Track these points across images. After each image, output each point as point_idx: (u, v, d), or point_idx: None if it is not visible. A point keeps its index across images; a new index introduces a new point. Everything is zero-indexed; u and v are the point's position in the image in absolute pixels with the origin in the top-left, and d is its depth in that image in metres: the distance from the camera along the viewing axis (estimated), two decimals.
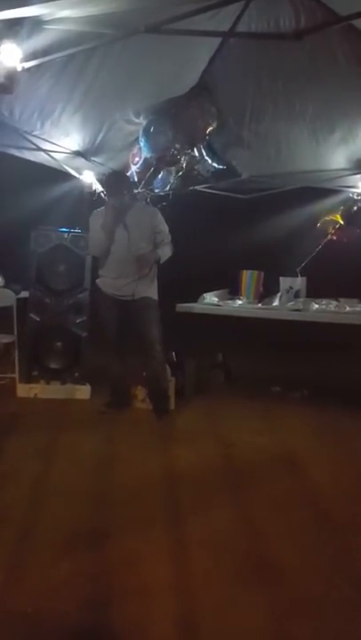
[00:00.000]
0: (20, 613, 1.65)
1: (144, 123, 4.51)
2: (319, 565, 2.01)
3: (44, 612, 1.67)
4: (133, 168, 4.79)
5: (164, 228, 3.82)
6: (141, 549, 2.05)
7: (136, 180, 4.82)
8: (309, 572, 1.95)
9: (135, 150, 4.74)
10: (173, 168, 4.73)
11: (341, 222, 5.00)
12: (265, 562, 2.02)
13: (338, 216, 5.02)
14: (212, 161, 4.90)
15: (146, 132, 4.50)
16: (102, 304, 3.89)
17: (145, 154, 4.60)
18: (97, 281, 3.94)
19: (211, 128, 4.56)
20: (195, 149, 4.70)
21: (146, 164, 4.68)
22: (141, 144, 4.57)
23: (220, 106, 4.53)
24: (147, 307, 3.75)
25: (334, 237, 5.00)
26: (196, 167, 4.84)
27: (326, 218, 5.06)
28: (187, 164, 4.71)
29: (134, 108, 4.41)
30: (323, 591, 1.84)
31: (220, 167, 4.99)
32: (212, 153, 4.90)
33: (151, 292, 3.79)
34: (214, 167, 4.95)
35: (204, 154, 4.81)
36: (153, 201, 4.85)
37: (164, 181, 4.87)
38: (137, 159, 4.76)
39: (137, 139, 4.68)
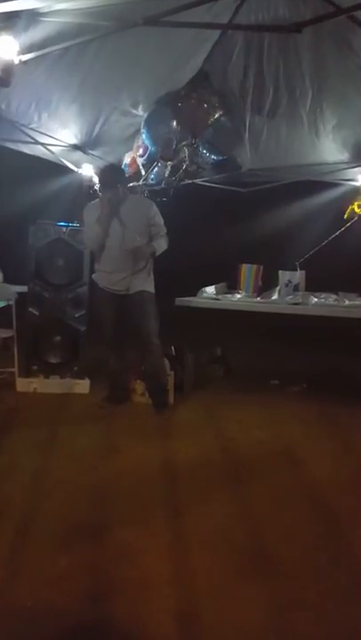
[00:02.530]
0: (20, 607, 1.66)
1: (145, 114, 4.48)
2: (318, 559, 2.02)
3: (43, 606, 1.67)
4: (140, 160, 4.76)
5: (160, 220, 3.79)
6: (141, 543, 2.06)
7: (143, 172, 4.78)
8: (309, 566, 1.96)
9: (140, 142, 4.71)
10: (170, 163, 4.70)
11: None
12: (264, 555, 2.03)
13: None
14: (211, 154, 4.87)
15: (147, 122, 4.46)
16: (99, 299, 3.88)
17: (149, 147, 4.57)
18: (93, 276, 3.93)
19: (212, 118, 4.52)
20: (195, 141, 4.66)
21: (151, 157, 4.65)
22: (143, 136, 4.54)
23: (222, 96, 4.50)
24: (144, 300, 3.73)
25: None
26: (195, 160, 4.81)
27: (354, 207, 4.93)
28: (188, 156, 4.68)
29: (132, 98, 4.39)
30: (322, 584, 1.85)
31: (221, 158, 4.96)
32: (212, 145, 4.87)
33: (147, 285, 3.77)
34: (213, 159, 4.92)
35: (202, 147, 4.78)
36: (152, 194, 4.83)
37: (160, 175, 4.83)
38: (141, 151, 4.72)
39: (137, 131, 4.65)
